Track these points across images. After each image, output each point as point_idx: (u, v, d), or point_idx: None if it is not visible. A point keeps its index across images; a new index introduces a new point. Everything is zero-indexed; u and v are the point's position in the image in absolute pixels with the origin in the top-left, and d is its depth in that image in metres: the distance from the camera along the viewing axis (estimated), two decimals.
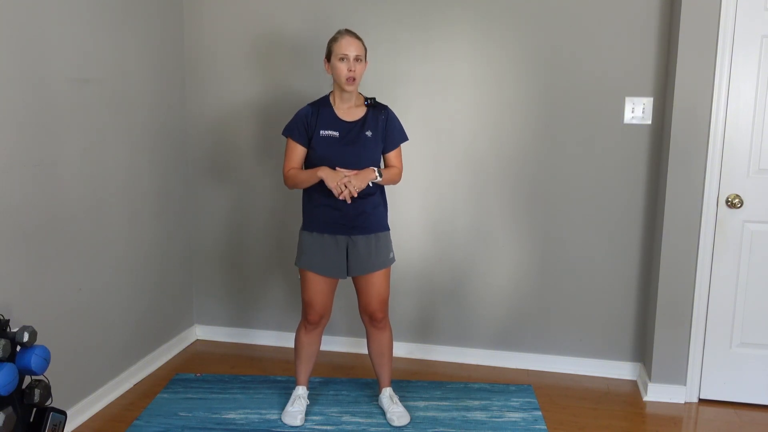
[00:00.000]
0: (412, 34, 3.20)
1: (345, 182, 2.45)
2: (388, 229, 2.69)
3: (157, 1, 3.17)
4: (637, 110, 3.04)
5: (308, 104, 2.63)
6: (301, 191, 2.77)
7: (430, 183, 3.28)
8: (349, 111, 2.59)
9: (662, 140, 3.01)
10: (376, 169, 2.55)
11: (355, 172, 2.50)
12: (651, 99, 3.02)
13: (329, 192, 2.51)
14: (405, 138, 2.71)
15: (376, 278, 2.64)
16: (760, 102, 2.77)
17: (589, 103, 3.09)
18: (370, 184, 2.55)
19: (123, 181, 2.95)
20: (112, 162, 2.86)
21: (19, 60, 2.32)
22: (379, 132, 2.60)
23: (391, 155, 2.67)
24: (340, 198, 2.47)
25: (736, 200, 2.83)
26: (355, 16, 3.18)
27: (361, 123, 2.57)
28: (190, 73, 3.43)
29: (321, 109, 2.58)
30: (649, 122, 3.04)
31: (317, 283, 2.64)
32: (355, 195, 2.48)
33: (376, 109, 2.62)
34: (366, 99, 2.63)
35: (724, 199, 2.85)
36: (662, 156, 2.98)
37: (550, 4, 3.07)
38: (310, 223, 2.63)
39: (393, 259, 2.71)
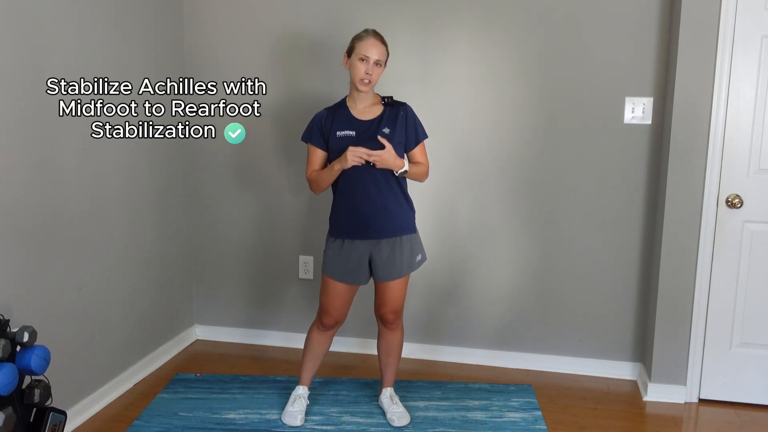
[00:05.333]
0: (412, 34, 3.20)
1: (360, 154, 2.42)
2: (415, 231, 2.65)
3: (157, 0, 3.17)
4: (637, 110, 3.04)
5: (324, 108, 2.62)
6: (316, 195, 2.72)
7: (431, 183, 3.26)
8: (366, 110, 2.57)
9: (662, 140, 3.01)
10: (406, 161, 2.53)
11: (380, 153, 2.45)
12: (651, 99, 3.02)
13: (350, 191, 2.51)
14: (425, 134, 2.65)
15: (394, 284, 2.62)
16: (760, 102, 2.77)
17: (589, 103, 3.09)
18: (396, 173, 2.52)
19: (123, 180, 2.95)
20: (112, 161, 2.86)
21: (19, 60, 2.32)
22: (398, 129, 2.55)
23: (416, 152, 2.61)
24: (358, 160, 2.42)
25: (736, 200, 2.83)
26: (356, 15, 3.18)
27: (378, 120, 2.54)
28: (190, 72, 3.42)
29: (337, 111, 2.57)
30: (649, 122, 3.04)
31: (337, 291, 2.62)
32: (371, 161, 2.43)
33: (393, 107, 2.59)
34: (383, 98, 2.60)
35: (724, 199, 2.85)
36: (662, 156, 2.98)
37: (550, 5, 3.07)
38: (334, 229, 2.61)
39: (422, 261, 2.67)
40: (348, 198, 2.54)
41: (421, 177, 2.64)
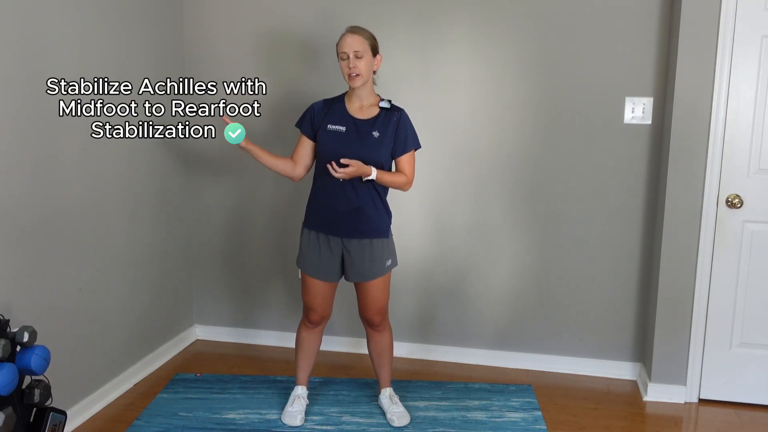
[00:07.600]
0: (412, 34, 3.20)
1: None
2: (387, 237, 2.63)
3: (157, 0, 3.17)
4: (637, 110, 3.04)
5: (323, 99, 2.64)
6: (299, 189, 2.74)
7: (430, 183, 3.28)
8: (362, 109, 2.56)
9: (662, 140, 3.01)
10: (374, 169, 2.49)
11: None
12: (651, 99, 3.02)
13: (327, 187, 2.52)
14: (417, 144, 2.61)
15: (372, 286, 2.62)
16: (760, 102, 2.78)
17: (589, 103, 3.09)
18: (363, 179, 2.49)
19: (123, 180, 2.95)
20: (112, 161, 2.86)
21: (19, 60, 2.32)
22: (388, 134, 2.54)
23: (401, 160, 2.57)
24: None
25: (736, 200, 2.83)
26: (355, 15, 3.18)
27: (371, 122, 2.54)
28: (190, 72, 3.42)
29: (333, 105, 2.59)
30: (649, 122, 3.04)
31: (315, 286, 2.64)
32: (339, 173, 2.42)
33: (390, 111, 2.57)
34: (381, 100, 2.58)
35: (724, 199, 2.85)
36: (662, 156, 2.98)
37: (551, 5, 3.07)
38: (308, 220, 2.63)
39: (392, 266, 2.66)
40: (325, 193, 2.55)
41: (400, 187, 2.59)
